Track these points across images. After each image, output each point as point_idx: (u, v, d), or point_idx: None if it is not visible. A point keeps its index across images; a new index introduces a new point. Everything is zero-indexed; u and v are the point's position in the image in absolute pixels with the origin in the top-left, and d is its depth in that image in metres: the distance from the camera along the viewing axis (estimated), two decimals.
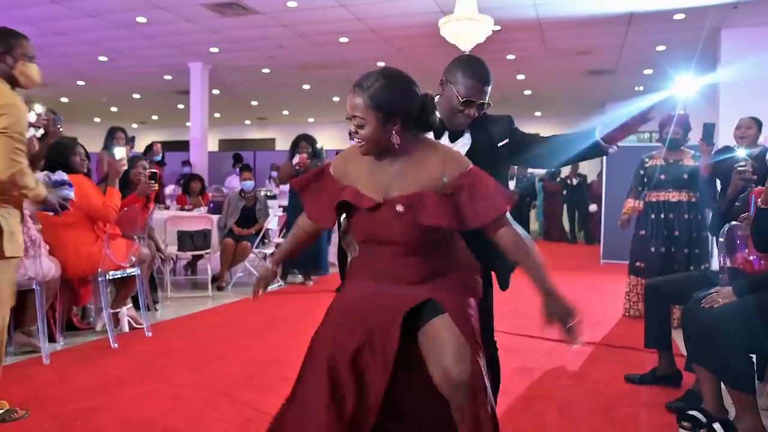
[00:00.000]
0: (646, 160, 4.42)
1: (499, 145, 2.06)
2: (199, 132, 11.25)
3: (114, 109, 16.87)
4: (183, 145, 18.74)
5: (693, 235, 4.20)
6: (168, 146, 20.19)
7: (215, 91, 13.21)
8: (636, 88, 12.27)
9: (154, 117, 18.75)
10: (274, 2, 7.41)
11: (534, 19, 7.83)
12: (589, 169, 13.46)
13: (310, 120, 18.01)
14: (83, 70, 11.50)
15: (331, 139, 15.81)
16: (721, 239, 2.73)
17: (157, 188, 4.09)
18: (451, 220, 1.64)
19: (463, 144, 2.04)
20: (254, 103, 15.51)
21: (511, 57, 9.85)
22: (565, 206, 12.43)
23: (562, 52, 9.56)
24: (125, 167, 3.76)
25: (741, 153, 3.22)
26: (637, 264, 4.49)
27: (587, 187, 12.34)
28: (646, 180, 4.42)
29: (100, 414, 2.64)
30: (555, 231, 12.31)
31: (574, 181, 12.07)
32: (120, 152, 3.70)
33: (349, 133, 2.00)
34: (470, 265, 1.81)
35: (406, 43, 9.04)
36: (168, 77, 12.23)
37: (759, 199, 2.37)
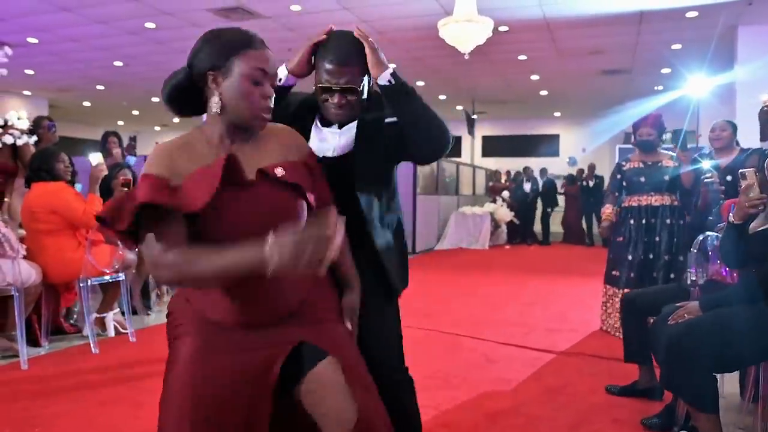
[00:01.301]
0: (623, 163, 4.22)
1: (386, 121, 1.69)
2: None
3: (135, 112, 17.15)
4: None
5: (674, 241, 3.97)
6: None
7: None
8: (655, 88, 12.00)
9: (175, 120, 19.01)
10: (278, 6, 7.44)
11: (541, 18, 7.70)
12: (607, 170, 13.20)
13: None
14: (100, 75, 11.72)
15: None
16: (693, 250, 2.62)
17: None
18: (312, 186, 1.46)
19: (350, 126, 1.71)
20: None
21: (522, 57, 9.73)
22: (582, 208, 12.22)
23: (573, 52, 9.40)
24: (104, 172, 3.79)
25: (706, 164, 3.09)
26: (614, 273, 4.20)
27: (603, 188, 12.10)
28: (625, 184, 4.19)
29: (63, 420, 2.66)
30: (574, 234, 12.11)
31: (590, 183, 11.85)
32: (95, 158, 3.73)
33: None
34: (329, 295, 1.54)
35: (412, 45, 8.99)
36: None
37: (730, 213, 2.27)
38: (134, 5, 7.42)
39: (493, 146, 16.99)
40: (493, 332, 4.37)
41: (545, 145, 16.47)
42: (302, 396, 1.35)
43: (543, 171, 13.17)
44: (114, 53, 9.97)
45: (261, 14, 7.72)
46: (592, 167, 12.12)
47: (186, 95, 1.43)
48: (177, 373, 1.33)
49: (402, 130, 1.64)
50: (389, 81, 1.61)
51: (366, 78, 1.68)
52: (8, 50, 4.36)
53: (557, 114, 15.94)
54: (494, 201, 12.07)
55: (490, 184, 13.67)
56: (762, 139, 3.75)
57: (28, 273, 3.47)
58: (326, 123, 1.73)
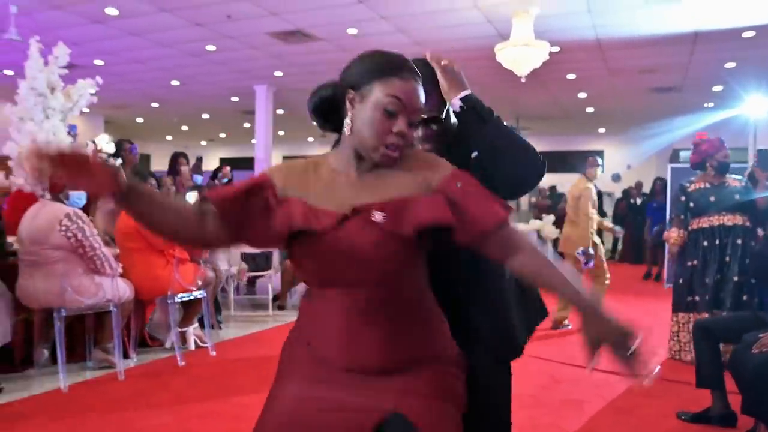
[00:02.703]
0: (687, 185, 4.21)
1: (473, 156, 1.49)
2: (263, 152, 11.69)
3: (185, 128, 17.71)
4: (249, 162, 19.46)
5: (746, 262, 3.93)
6: (234, 162, 21.03)
7: (280, 111, 13.69)
8: (705, 105, 11.88)
9: (222, 135, 19.55)
10: (336, 30, 7.68)
11: (593, 39, 7.76)
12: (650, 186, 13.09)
13: None
14: (157, 93, 12.20)
15: None
16: None
17: None
18: (451, 216, 1.24)
19: None
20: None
21: (571, 77, 9.78)
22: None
23: (624, 71, 9.41)
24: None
25: None
26: (690, 299, 4.13)
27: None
28: (692, 205, 4.16)
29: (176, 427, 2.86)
30: (628, 252, 11.99)
31: (638, 201, 11.76)
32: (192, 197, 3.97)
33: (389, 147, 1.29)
34: (449, 350, 1.37)
35: (463, 63, 9.12)
36: (235, 99, 12.79)
37: None
38: (199, 30, 7.77)
39: None
40: (556, 351, 4.45)
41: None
42: None
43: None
44: (173, 73, 10.39)
45: (317, 37, 7.99)
46: (639, 185, 12.03)
47: (330, 109, 1.34)
48: (278, 407, 1.30)
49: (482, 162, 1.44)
50: (460, 106, 1.48)
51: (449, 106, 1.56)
52: (99, 79, 4.65)
53: (602, 130, 15.84)
54: (539, 218, 12.07)
55: (532, 200, 13.68)
56: None
57: (124, 290, 3.73)
58: None
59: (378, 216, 1.22)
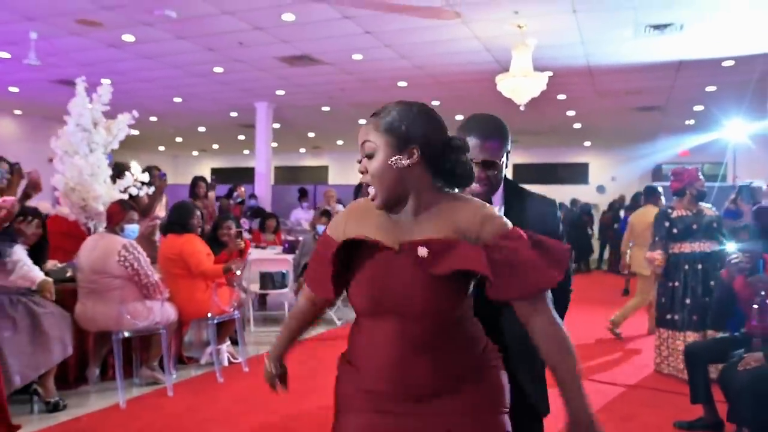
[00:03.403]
0: (670, 211, 4.53)
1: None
2: (264, 166, 12.01)
3: (179, 139, 17.94)
4: (239, 172, 19.72)
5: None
6: (226, 172, 21.19)
7: (275, 125, 14.02)
8: (686, 122, 12.47)
9: (215, 146, 19.80)
10: (342, 55, 8.08)
11: (585, 66, 8.26)
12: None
13: None
14: (158, 108, 12.46)
15: None
16: (755, 306, 3.13)
17: (243, 246, 4.63)
18: (486, 267, 1.30)
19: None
20: (311, 134, 16.29)
21: (561, 97, 10.27)
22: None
23: (611, 93, 9.93)
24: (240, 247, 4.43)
25: (731, 247, 3.57)
26: (669, 317, 4.50)
27: None
28: (675, 231, 4.48)
29: None
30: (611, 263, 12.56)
31: (621, 214, 12.30)
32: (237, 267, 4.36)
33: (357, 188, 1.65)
34: (490, 366, 1.44)
35: (462, 87, 9.60)
36: (234, 114, 13.10)
37: None
38: (211, 54, 8.11)
39: (523, 174, 17.46)
40: None
41: (575, 173, 16.93)
42: None
43: (573, 201, 13.72)
44: (177, 91, 10.69)
45: (324, 61, 8.37)
46: (622, 198, 12.59)
47: None
48: (340, 424, 1.46)
49: None
50: None
51: (505, 155, 1.78)
52: (135, 113, 4.99)
53: (587, 143, 16.41)
54: None
55: None
56: None
57: (171, 312, 4.07)
58: None
59: (422, 251, 1.32)
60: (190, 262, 4.23)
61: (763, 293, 3.12)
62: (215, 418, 3.57)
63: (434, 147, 1.37)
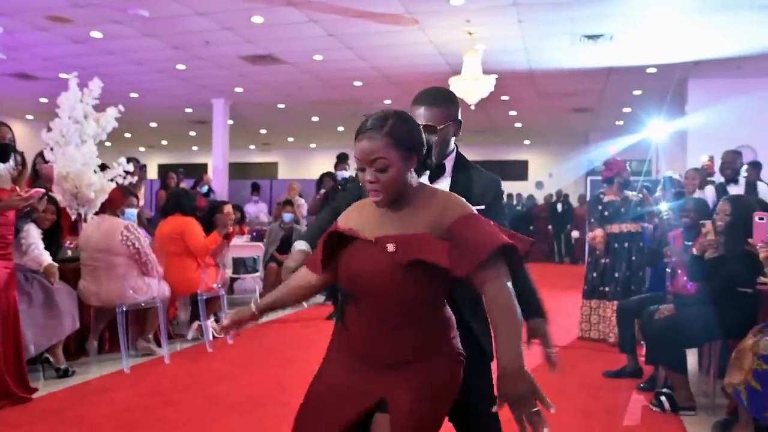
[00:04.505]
0: (602, 196, 5.24)
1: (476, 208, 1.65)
2: (221, 162, 12.29)
3: (128, 135, 17.83)
4: (187, 168, 19.66)
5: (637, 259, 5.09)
6: (173, 168, 21.03)
7: (229, 122, 14.28)
8: (616, 123, 13.58)
9: (164, 142, 19.74)
10: (303, 56, 8.54)
11: (527, 70, 9.05)
12: (572, 193, 14.74)
13: (312, 146, 19.10)
14: (110, 103, 12.49)
15: (331, 164, 16.92)
16: (668, 270, 3.87)
17: (231, 230, 5.08)
18: (446, 260, 1.45)
19: (442, 186, 1.86)
20: (263, 131, 16.58)
21: (505, 98, 11.06)
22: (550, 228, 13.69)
23: (549, 95, 10.81)
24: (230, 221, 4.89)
25: (663, 206, 4.36)
26: (600, 289, 5.15)
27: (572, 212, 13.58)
28: (606, 214, 5.16)
29: (233, 393, 3.70)
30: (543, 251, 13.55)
31: (560, 208, 13.30)
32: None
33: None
34: (454, 355, 1.60)
35: (415, 87, 10.13)
36: (189, 110, 13.30)
37: (694, 247, 3.52)
38: (175, 52, 8.41)
39: None
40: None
41: (515, 169, 17.91)
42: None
43: (530, 196, 14.77)
44: (134, 87, 10.84)
45: (285, 61, 8.80)
46: (560, 193, 13.60)
47: None
48: (319, 382, 1.68)
49: None
50: None
51: (452, 123, 1.95)
52: (121, 107, 5.33)
53: (527, 142, 17.42)
54: None
55: None
56: (700, 188, 5.05)
57: (165, 289, 4.48)
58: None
59: (390, 247, 1.48)
60: (188, 241, 4.66)
61: (674, 259, 3.86)
62: (215, 378, 4.02)
63: (423, 150, 1.56)
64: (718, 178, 5.48)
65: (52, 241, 3.99)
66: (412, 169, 1.54)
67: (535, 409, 1.35)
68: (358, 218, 1.61)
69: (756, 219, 2.94)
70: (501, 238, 1.45)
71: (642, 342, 4.15)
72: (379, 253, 1.50)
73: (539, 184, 17.25)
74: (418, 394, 1.51)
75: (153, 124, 15.55)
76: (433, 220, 1.51)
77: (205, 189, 8.22)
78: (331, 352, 1.71)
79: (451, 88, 7.57)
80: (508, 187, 15.96)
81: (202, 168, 17.68)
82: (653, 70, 8.81)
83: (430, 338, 1.56)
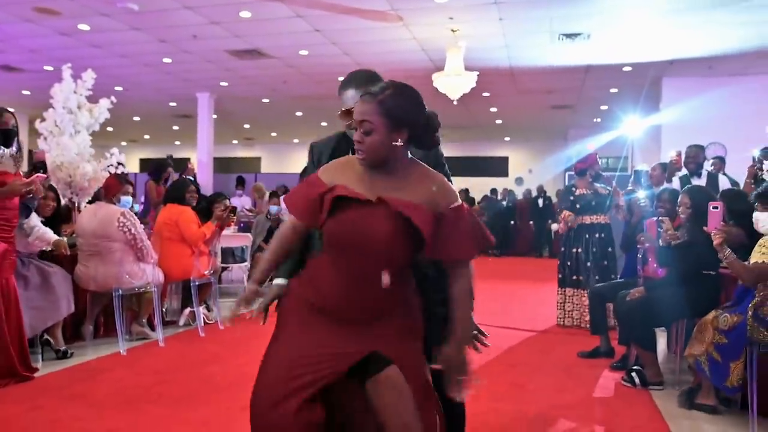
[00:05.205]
0: (574, 189, 5.46)
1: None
2: (206, 155, 12.38)
3: (110, 129, 17.73)
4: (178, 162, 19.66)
5: (609, 250, 5.34)
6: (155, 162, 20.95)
7: (213, 116, 14.34)
8: (594, 120, 13.91)
9: (146, 136, 19.69)
10: (289, 51, 8.68)
11: (507, 67, 9.29)
12: (551, 188, 15.06)
13: (295, 141, 19.19)
14: (96, 97, 12.51)
15: None
16: (639, 255, 4.12)
17: (231, 221, 5.26)
18: (429, 235, 1.62)
19: None
20: (246, 126, 16.64)
21: (486, 94, 11.30)
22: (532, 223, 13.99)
23: (530, 92, 11.06)
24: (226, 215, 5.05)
25: (641, 194, 4.63)
26: (574, 278, 5.36)
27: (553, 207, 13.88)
28: (578, 206, 5.32)
29: (227, 372, 3.86)
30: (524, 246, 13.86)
31: (540, 203, 13.60)
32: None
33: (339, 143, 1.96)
34: (417, 305, 1.78)
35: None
36: (173, 104, 13.34)
37: (662, 238, 3.76)
38: (162, 46, 8.49)
39: (449, 166, 18.53)
40: (481, 319, 5.75)
41: (495, 165, 18.20)
42: (369, 390, 1.67)
43: (510, 192, 15.06)
44: (120, 80, 10.87)
45: (272, 55, 8.93)
46: (541, 189, 13.91)
47: None
48: (286, 330, 1.75)
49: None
50: None
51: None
52: (113, 99, 5.44)
53: (507, 138, 17.71)
54: None
55: None
56: (668, 181, 5.32)
57: (159, 274, 4.62)
58: None
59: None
60: (182, 229, 4.82)
61: (647, 245, 4.11)
62: (207, 360, 4.18)
63: (418, 127, 1.67)
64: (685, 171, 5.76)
65: (52, 228, 4.11)
66: (400, 141, 1.63)
67: (465, 376, 1.67)
68: (342, 176, 1.69)
69: (710, 208, 3.13)
70: (478, 247, 1.71)
71: (615, 325, 4.40)
72: (379, 211, 1.60)
73: (519, 180, 17.56)
74: (404, 336, 1.70)
75: (136, 118, 15.54)
76: (429, 198, 1.64)
77: (191, 179, 8.31)
78: (291, 307, 1.76)
79: (434, 84, 7.87)
80: (489, 182, 16.28)
81: (185, 163, 17.70)
82: (629, 68, 9.10)
83: (405, 291, 1.74)
